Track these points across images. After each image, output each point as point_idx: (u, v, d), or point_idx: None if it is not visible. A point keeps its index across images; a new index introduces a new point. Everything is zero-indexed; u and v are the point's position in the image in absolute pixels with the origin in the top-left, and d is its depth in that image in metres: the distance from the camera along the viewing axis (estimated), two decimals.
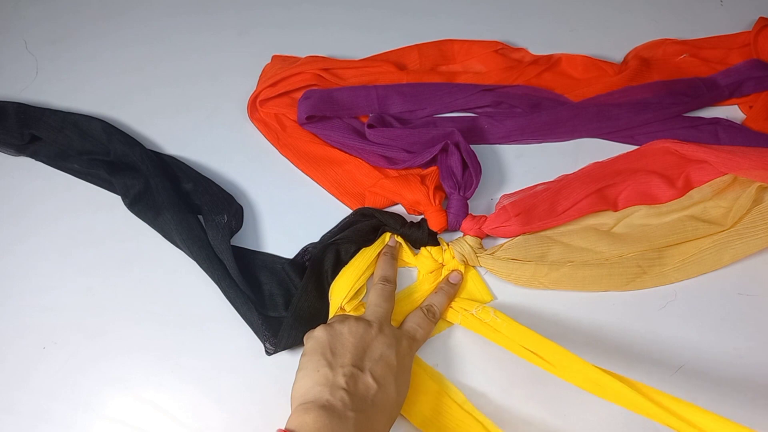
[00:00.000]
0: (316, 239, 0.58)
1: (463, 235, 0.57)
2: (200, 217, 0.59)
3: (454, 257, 0.55)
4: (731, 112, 0.66)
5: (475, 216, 0.57)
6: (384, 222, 0.56)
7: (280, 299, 0.54)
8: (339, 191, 0.61)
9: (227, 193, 0.60)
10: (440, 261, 0.55)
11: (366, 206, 0.58)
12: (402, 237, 0.56)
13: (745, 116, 0.66)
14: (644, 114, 0.64)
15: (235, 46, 0.72)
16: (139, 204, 0.58)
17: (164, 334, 0.54)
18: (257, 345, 0.53)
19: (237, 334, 0.54)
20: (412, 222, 0.57)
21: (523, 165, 0.63)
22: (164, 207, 0.57)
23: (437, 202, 0.57)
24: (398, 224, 0.56)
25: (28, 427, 0.51)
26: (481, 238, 0.56)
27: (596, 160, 0.62)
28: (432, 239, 0.56)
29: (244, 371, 0.52)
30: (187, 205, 0.58)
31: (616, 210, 0.58)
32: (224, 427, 0.50)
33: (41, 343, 0.54)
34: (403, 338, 0.49)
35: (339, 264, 0.55)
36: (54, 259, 0.58)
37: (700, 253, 0.55)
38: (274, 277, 0.56)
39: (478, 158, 0.59)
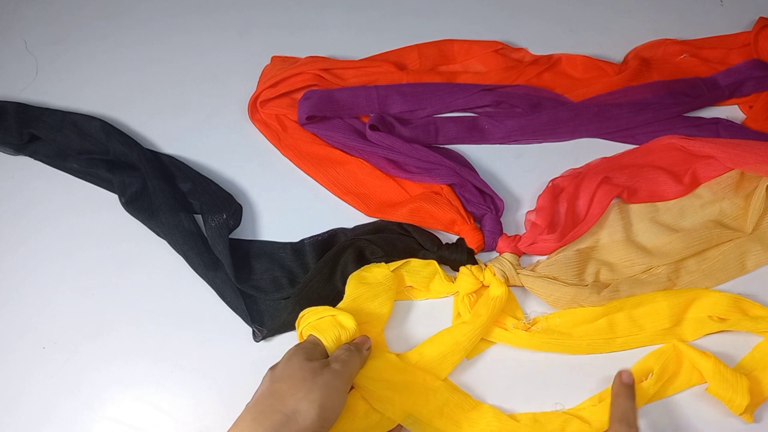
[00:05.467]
0: None
1: (500, 254, 0.56)
2: (198, 216, 0.59)
3: (495, 275, 0.53)
4: (731, 112, 0.66)
5: (509, 235, 0.57)
6: (421, 243, 0.55)
7: (284, 280, 0.55)
8: (341, 191, 0.60)
9: (226, 191, 0.60)
10: (482, 279, 0.54)
11: (405, 222, 0.57)
12: (439, 260, 0.55)
13: (745, 116, 0.66)
14: (644, 114, 0.64)
15: (235, 46, 0.72)
16: (135, 203, 0.59)
17: (164, 334, 0.54)
18: (256, 345, 0.53)
19: (236, 335, 0.54)
20: (448, 243, 0.56)
21: (523, 165, 0.63)
22: (160, 209, 0.57)
23: (472, 220, 0.57)
24: (435, 246, 0.55)
25: (28, 427, 0.51)
26: (519, 256, 0.56)
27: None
28: (471, 259, 0.55)
29: (243, 371, 0.52)
30: (184, 205, 0.58)
31: (627, 201, 0.58)
32: (224, 428, 0.50)
33: (41, 343, 0.54)
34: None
35: (361, 260, 0.55)
36: (54, 259, 0.58)
37: (723, 258, 0.55)
38: (275, 262, 0.56)
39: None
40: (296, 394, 0.42)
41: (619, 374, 0.49)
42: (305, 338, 0.49)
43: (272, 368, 0.46)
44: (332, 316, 0.50)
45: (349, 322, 0.49)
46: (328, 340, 0.48)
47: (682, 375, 0.51)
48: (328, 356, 0.47)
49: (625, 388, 0.48)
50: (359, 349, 0.48)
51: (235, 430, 0.41)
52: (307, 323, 0.50)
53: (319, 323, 0.49)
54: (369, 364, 0.49)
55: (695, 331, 0.52)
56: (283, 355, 0.47)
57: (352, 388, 0.49)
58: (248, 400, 0.45)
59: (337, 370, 0.44)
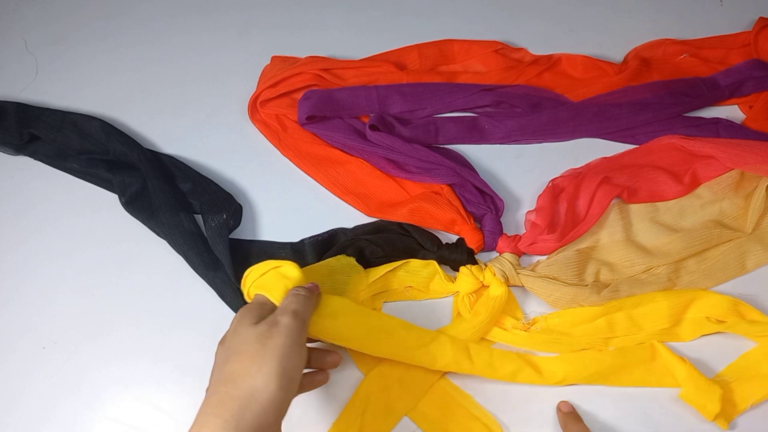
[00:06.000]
0: None
1: (500, 254, 0.56)
2: (198, 216, 0.59)
3: (495, 275, 0.53)
4: (731, 112, 0.66)
5: (509, 235, 0.56)
6: (421, 243, 0.55)
7: None
8: (341, 191, 0.60)
9: (226, 191, 0.60)
10: (482, 279, 0.54)
11: (405, 222, 0.56)
12: (439, 260, 0.54)
13: (745, 116, 0.66)
14: (644, 114, 0.64)
15: (235, 46, 0.72)
16: (135, 203, 0.59)
17: (164, 334, 0.54)
18: None
19: None
20: (448, 243, 0.55)
21: (523, 165, 0.63)
22: (160, 209, 0.57)
23: (472, 220, 0.57)
24: (435, 246, 0.55)
25: (28, 427, 0.51)
26: (519, 256, 0.56)
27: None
28: (471, 259, 0.55)
29: None
30: (184, 205, 0.58)
31: (627, 201, 0.58)
32: None
33: (41, 343, 0.54)
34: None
35: (361, 260, 0.54)
36: (54, 259, 0.58)
37: (723, 258, 0.55)
38: None
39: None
40: (249, 370, 0.39)
41: (558, 407, 0.50)
42: (252, 299, 0.46)
43: (222, 342, 0.43)
44: (275, 268, 0.46)
45: (292, 271, 0.46)
46: (276, 298, 0.44)
47: (649, 369, 0.51)
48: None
49: (569, 416, 0.49)
50: (310, 291, 0.45)
51: (196, 428, 0.38)
52: (251, 283, 0.46)
53: (263, 281, 0.46)
54: (324, 304, 0.47)
55: (693, 331, 0.52)
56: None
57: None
58: None
59: (287, 324, 0.41)
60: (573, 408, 0.49)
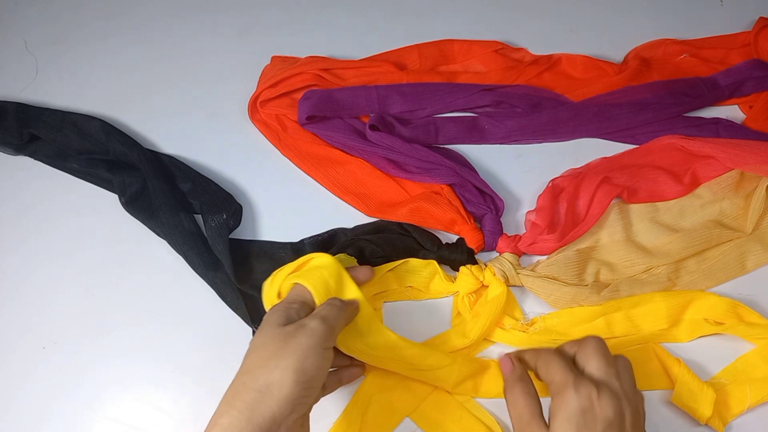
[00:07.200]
0: None
1: (500, 254, 0.56)
2: (198, 216, 0.59)
3: (494, 275, 0.53)
4: (731, 112, 0.66)
5: (509, 235, 0.56)
6: (421, 243, 0.55)
7: None
8: (341, 191, 0.60)
9: (226, 191, 0.60)
10: (481, 279, 0.53)
11: (405, 222, 0.56)
12: (439, 260, 0.54)
13: (745, 116, 0.66)
14: (644, 114, 0.64)
15: (235, 46, 0.72)
16: (135, 203, 0.59)
17: (164, 334, 0.54)
18: None
19: (237, 335, 0.54)
20: (448, 243, 0.55)
21: (523, 165, 0.63)
22: (160, 209, 0.57)
23: (472, 220, 0.57)
24: (435, 246, 0.55)
25: (28, 427, 0.51)
26: (519, 256, 0.56)
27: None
28: (471, 259, 0.55)
29: None
30: (184, 205, 0.58)
31: (627, 201, 0.58)
32: None
33: (41, 343, 0.54)
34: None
35: (361, 260, 0.54)
36: (54, 259, 0.58)
37: (723, 258, 0.55)
38: (275, 262, 0.56)
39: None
40: (267, 365, 0.39)
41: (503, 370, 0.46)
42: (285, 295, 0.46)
43: (251, 340, 0.43)
44: (306, 261, 0.47)
45: (324, 259, 0.47)
46: (313, 286, 0.44)
47: (644, 373, 0.51)
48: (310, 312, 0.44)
49: (515, 381, 0.44)
50: (344, 303, 0.45)
51: (215, 417, 0.39)
52: (282, 279, 0.46)
53: (300, 273, 0.46)
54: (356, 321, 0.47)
55: (691, 332, 0.52)
56: None
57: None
58: None
59: (314, 327, 0.41)
60: (512, 368, 0.46)
